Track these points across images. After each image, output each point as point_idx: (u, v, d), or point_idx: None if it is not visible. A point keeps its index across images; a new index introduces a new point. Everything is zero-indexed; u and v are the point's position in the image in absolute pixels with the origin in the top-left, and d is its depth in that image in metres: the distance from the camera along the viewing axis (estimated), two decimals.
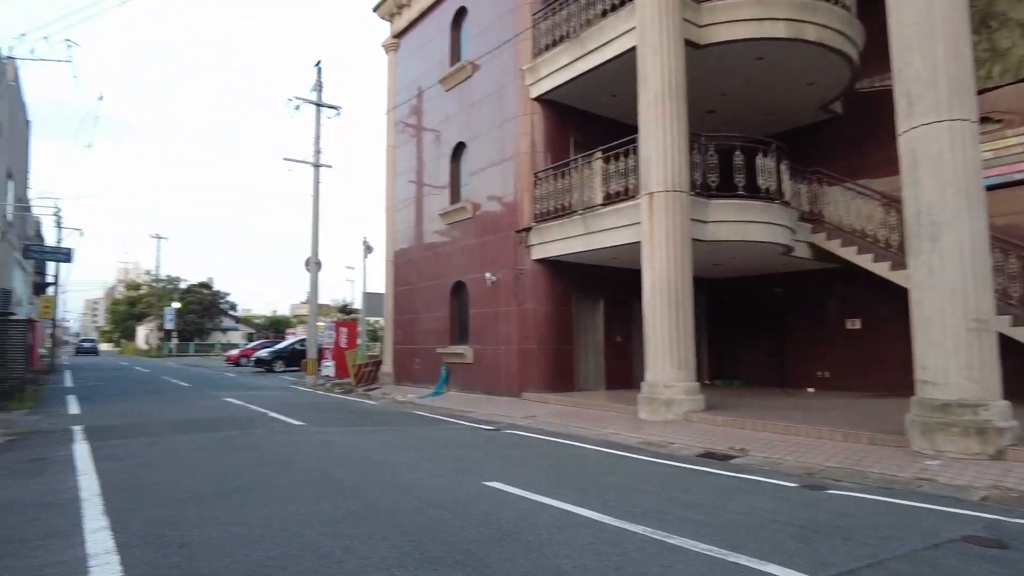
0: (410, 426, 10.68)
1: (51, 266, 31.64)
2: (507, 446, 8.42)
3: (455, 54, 16.96)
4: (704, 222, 11.39)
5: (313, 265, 21.16)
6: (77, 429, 9.65)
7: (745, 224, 11.51)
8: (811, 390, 14.24)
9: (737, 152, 11.58)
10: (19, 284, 19.00)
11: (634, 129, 11.30)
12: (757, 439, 8.45)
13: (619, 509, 4.95)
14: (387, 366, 19.33)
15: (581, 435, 9.37)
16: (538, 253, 13.75)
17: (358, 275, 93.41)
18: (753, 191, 11.55)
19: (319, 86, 21.12)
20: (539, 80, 13.90)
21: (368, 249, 24.33)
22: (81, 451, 7.58)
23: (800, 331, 15.06)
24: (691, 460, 7.42)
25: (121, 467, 6.64)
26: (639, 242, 10.94)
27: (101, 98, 27.91)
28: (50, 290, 31.72)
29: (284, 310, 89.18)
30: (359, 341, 23.22)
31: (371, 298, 23.53)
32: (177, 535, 4.17)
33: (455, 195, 16.71)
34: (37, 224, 30.79)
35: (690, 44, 11.14)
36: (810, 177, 13.48)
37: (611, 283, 14.64)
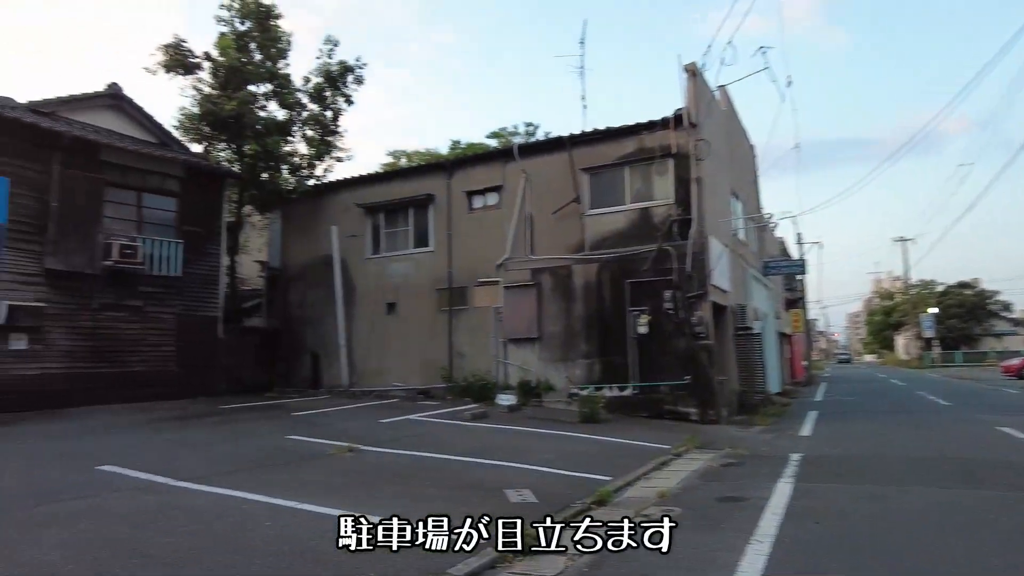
0: None
1: (798, 281, 32.94)
2: None
3: None
4: None
5: None
6: (795, 458, 8.10)
7: None
8: None
9: None
10: (760, 300, 19.70)
11: None
12: None
13: None
14: None
15: None
16: None
17: None
18: None
19: None
20: None
21: None
22: (779, 498, 5.83)
23: None
24: None
25: (809, 541, 4.53)
26: None
27: (790, 83, 26.32)
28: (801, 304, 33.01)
29: None
30: None
31: None
32: None
33: None
34: (781, 243, 32.65)
35: None
36: None
37: None
